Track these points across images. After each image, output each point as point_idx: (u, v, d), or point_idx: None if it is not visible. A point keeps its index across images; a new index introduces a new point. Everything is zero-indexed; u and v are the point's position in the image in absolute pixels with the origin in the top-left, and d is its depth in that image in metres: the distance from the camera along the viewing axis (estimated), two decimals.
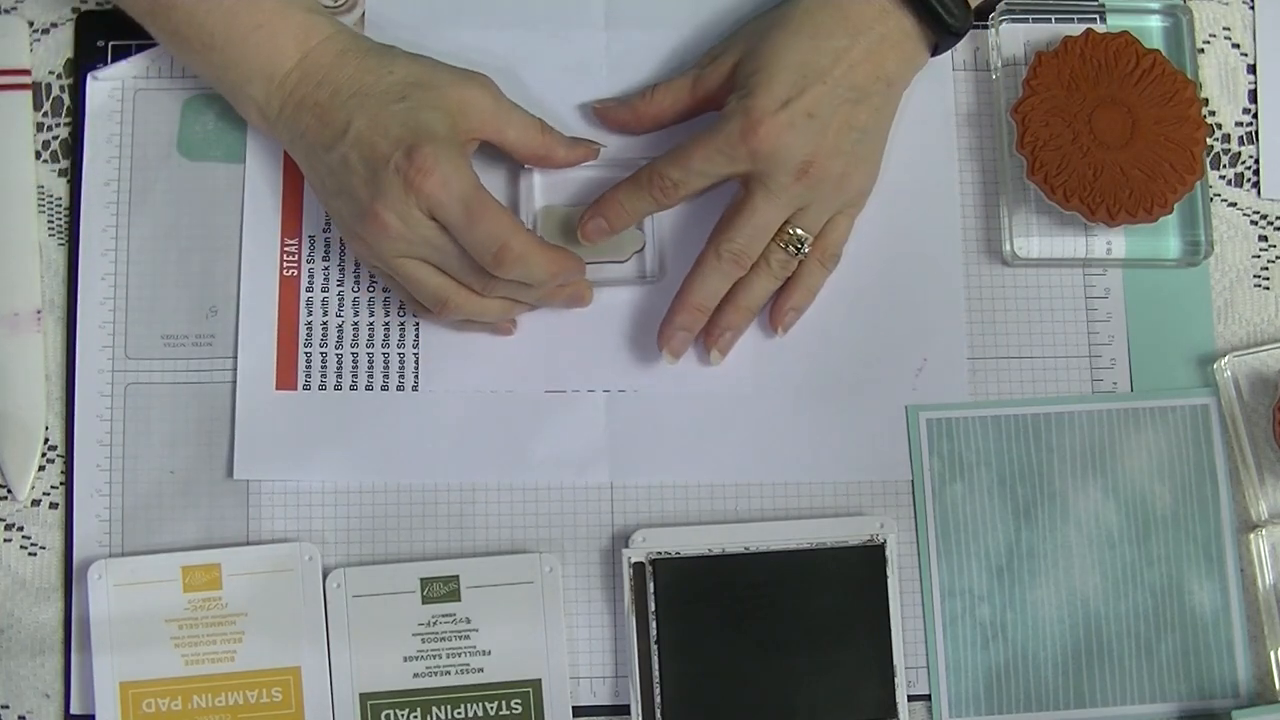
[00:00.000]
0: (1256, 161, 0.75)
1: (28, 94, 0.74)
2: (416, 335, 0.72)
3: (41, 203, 0.73)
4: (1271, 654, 0.70)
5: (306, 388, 0.71)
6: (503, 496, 0.71)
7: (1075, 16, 0.75)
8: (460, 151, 0.65)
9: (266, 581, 0.69)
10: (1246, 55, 0.76)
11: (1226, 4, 0.76)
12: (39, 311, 0.72)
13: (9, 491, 0.71)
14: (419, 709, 0.69)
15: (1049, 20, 0.75)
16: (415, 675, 0.69)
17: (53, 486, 0.71)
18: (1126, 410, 0.72)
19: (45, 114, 0.74)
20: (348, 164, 0.65)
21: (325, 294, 0.72)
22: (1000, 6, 0.74)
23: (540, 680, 0.70)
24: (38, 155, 0.73)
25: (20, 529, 0.71)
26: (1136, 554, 0.71)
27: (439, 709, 0.69)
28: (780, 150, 0.65)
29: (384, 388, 0.72)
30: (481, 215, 0.64)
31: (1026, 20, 0.75)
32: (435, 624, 0.70)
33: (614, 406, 0.72)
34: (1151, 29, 0.75)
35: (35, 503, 0.71)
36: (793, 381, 0.72)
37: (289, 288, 0.72)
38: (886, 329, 0.72)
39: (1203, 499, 0.72)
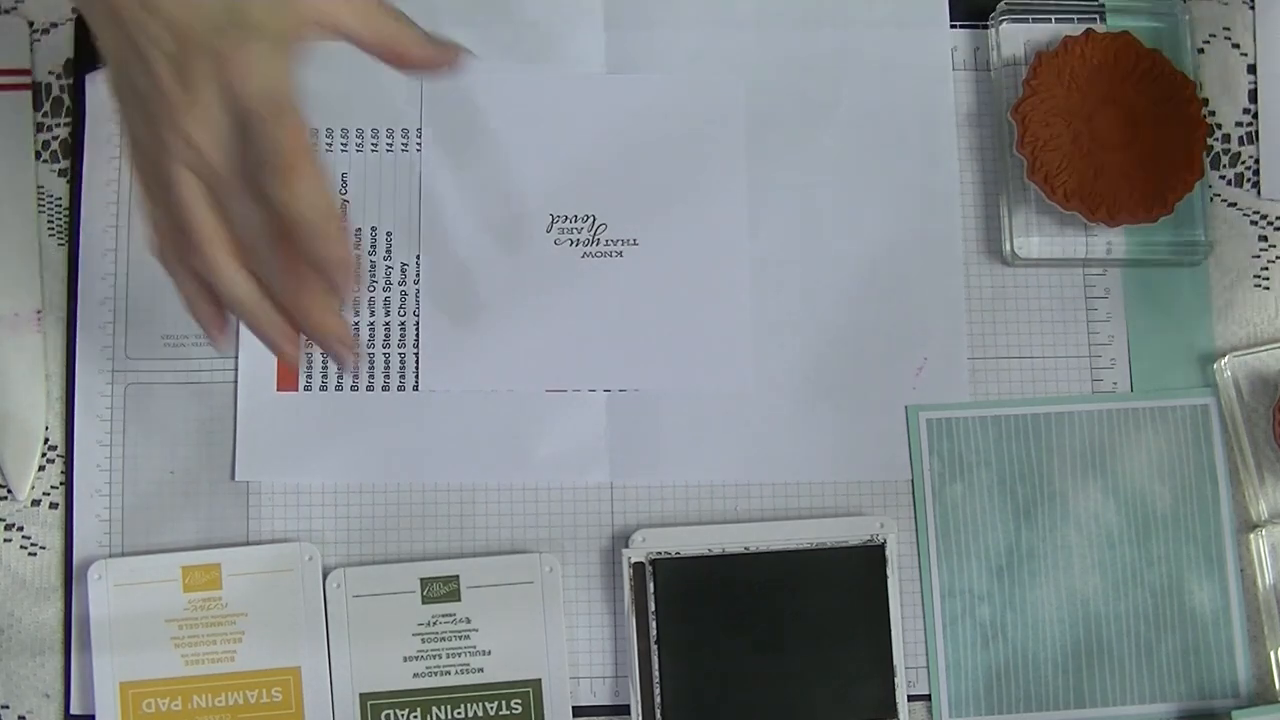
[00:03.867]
0: (1256, 161, 0.75)
1: (28, 94, 0.74)
2: (416, 335, 0.72)
3: (41, 203, 0.73)
4: (1271, 654, 0.70)
5: (308, 388, 0.71)
6: (503, 496, 0.71)
7: (1075, 16, 0.75)
8: (285, 47, 0.56)
9: (266, 581, 0.69)
10: (1246, 55, 0.76)
11: (1226, 4, 0.76)
12: (39, 311, 0.72)
13: (9, 491, 0.71)
14: (419, 709, 0.69)
15: (1049, 20, 0.75)
16: (415, 675, 0.69)
17: (53, 486, 0.71)
18: (1126, 410, 0.72)
19: (45, 114, 0.74)
20: (155, 40, 0.55)
21: None
22: (1000, 6, 0.74)
23: (540, 680, 0.70)
24: (38, 155, 0.73)
25: (20, 529, 0.71)
26: (1136, 554, 0.71)
27: (439, 709, 0.69)
28: None
29: (384, 388, 0.72)
30: (291, 119, 0.56)
31: (1026, 20, 0.75)
32: (435, 624, 0.70)
33: (614, 406, 0.72)
34: (1151, 29, 0.75)
35: (35, 503, 0.71)
36: (793, 381, 0.72)
37: None
38: (886, 329, 0.72)
39: (1203, 499, 0.72)
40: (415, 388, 0.72)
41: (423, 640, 0.70)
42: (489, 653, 0.70)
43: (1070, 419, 0.72)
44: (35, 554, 0.71)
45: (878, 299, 0.73)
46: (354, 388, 0.72)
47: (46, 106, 0.74)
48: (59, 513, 0.71)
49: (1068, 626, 0.70)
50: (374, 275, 0.72)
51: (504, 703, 0.69)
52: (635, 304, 0.72)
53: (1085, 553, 0.71)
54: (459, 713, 0.69)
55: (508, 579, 0.70)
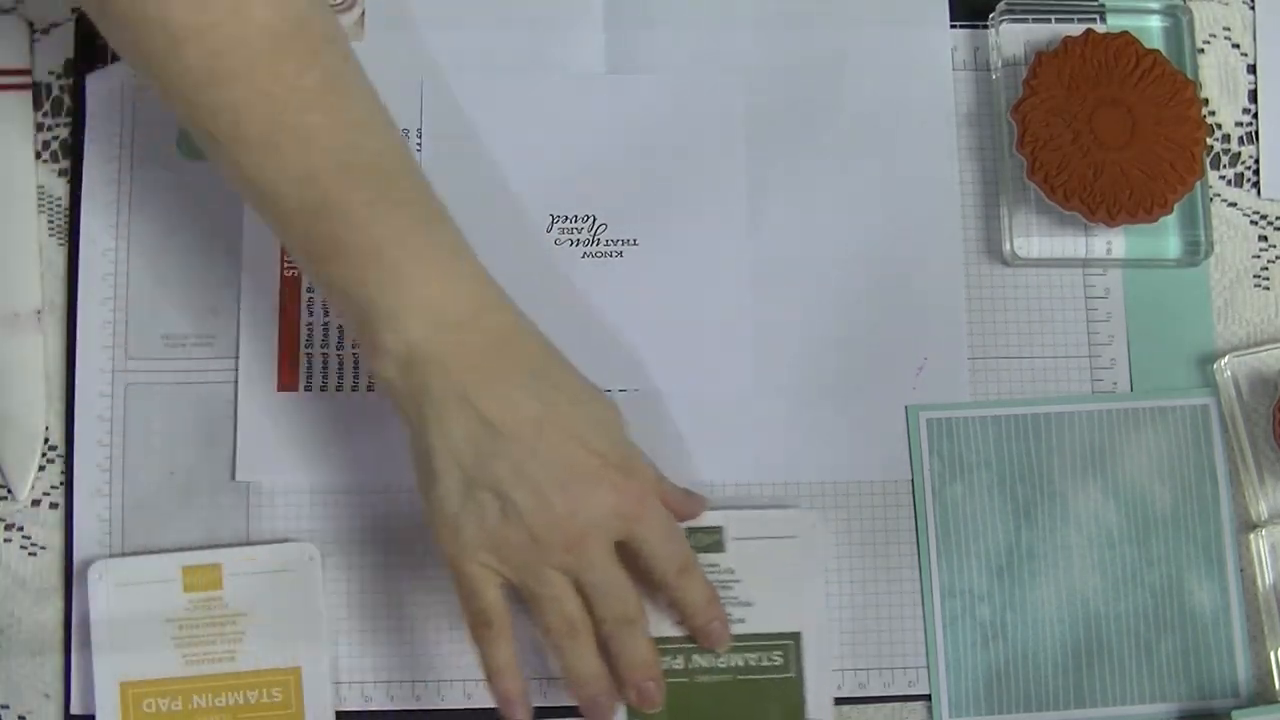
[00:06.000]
0: (1256, 161, 0.75)
1: (28, 94, 0.74)
2: None
3: (41, 203, 0.73)
4: (1271, 654, 0.70)
5: (308, 389, 0.71)
6: None
7: (1075, 16, 0.75)
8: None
9: (267, 581, 0.69)
10: (1246, 55, 0.76)
11: (1226, 4, 0.76)
12: (39, 311, 0.72)
13: (9, 491, 0.71)
14: None
15: (1049, 20, 0.75)
16: None
17: (53, 486, 0.71)
18: (1126, 410, 0.72)
19: (45, 114, 0.74)
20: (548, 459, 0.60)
21: None
22: (1000, 6, 0.74)
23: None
24: (38, 155, 0.73)
25: (20, 529, 0.71)
26: (1136, 554, 0.71)
27: None
28: None
29: None
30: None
31: (1026, 20, 0.75)
32: None
33: None
34: (1151, 29, 0.75)
35: (35, 503, 0.71)
36: (793, 381, 0.72)
37: (289, 288, 0.72)
38: (886, 329, 0.72)
39: (1203, 499, 0.72)
40: None
41: None
42: None
43: (1070, 419, 0.72)
44: (35, 554, 0.71)
45: (878, 299, 0.73)
46: (354, 388, 0.71)
47: (46, 106, 0.74)
48: (59, 513, 0.71)
49: (1068, 626, 0.70)
50: None
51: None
52: (635, 304, 0.72)
53: (1085, 553, 0.71)
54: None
55: None
